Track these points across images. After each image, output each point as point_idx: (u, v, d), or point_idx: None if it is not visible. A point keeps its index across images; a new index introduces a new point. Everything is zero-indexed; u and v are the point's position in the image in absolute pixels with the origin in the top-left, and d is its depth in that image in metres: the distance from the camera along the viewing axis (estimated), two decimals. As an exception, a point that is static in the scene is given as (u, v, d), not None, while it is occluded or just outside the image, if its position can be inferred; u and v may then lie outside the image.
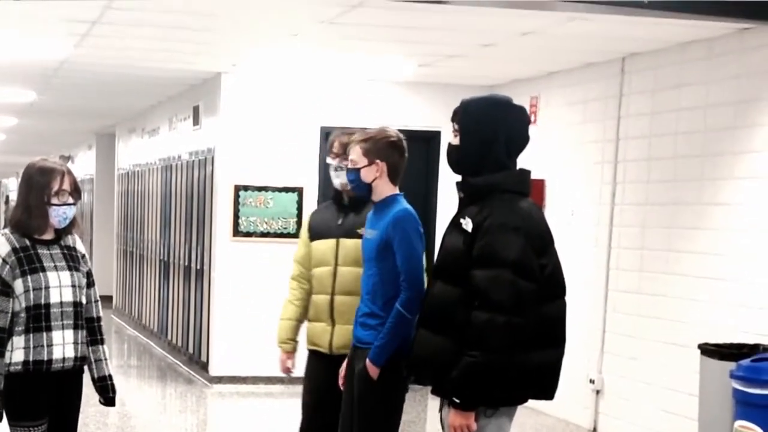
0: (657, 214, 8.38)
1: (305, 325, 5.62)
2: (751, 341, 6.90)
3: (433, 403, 4.53)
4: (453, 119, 4.29)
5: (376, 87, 11.05)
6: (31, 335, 4.69)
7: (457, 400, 4.06)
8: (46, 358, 4.71)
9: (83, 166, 21.44)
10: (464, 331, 4.03)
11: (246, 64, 10.35)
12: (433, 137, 10.92)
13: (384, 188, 5.12)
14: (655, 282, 8.35)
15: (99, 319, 4.98)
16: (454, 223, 4.23)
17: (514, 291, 3.98)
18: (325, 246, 5.46)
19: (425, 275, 4.91)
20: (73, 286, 4.79)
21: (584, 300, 9.00)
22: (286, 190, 10.98)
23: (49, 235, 4.82)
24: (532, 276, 4.03)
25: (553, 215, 9.14)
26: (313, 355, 5.51)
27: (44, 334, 4.71)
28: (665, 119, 8.31)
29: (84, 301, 4.85)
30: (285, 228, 11.00)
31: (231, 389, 10.90)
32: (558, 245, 4.23)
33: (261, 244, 10.97)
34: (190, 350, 12.11)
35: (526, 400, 4.21)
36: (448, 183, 10.08)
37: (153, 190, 14.63)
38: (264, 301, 10.97)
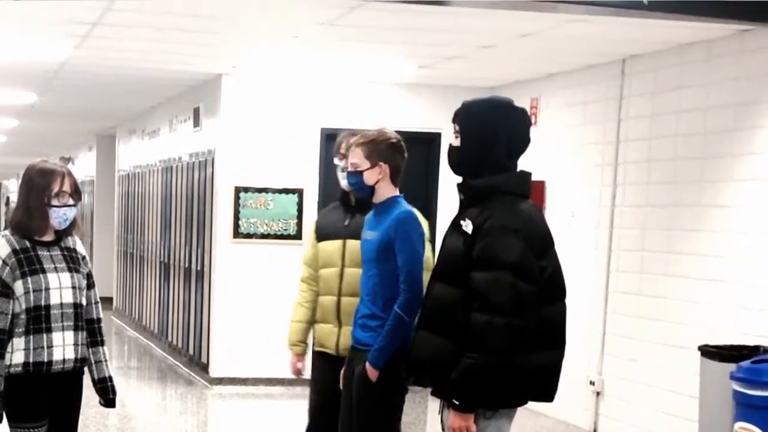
0: (657, 216, 8.38)
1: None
2: (751, 343, 6.90)
3: (433, 404, 4.53)
4: (454, 121, 4.29)
5: (377, 88, 11.05)
6: (32, 337, 4.70)
7: (457, 402, 4.06)
8: (46, 360, 4.71)
9: (84, 167, 21.44)
10: (464, 333, 4.03)
11: (246, 66, 10.36)
12: (434, 139, 10.92)
13: (386, 190, 5.13)
14: (655, 284, 8.35)
15: (99, 320, 4.98)
16: (455, 225, 4.23)
17: (514, 293, 3.98)
18: (331, 247, 5.46)
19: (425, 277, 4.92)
20: (74, 287, 4.79)
21: (584, 302, 9.00)
22: (287, 191, 10.99)
23: (49, 237, 4.82)
24: (531, 278, 4.03)
25: (553, 217, 9.14)
26: (321, 356, 5.51)
27: (44, 335, 4.71)
28: (665, 121, 8.31)
29: (84, 302, 4.86)
30: (285, 229, 11.01)
31: (231, 390, 10.90)
32: (558, 247, 4.23)
33: (261, 246, 10.98)
34: (191, 352, 12.11)
35: (525, 402, 4.20)
36: (448, 184, 10.09)
37: (153, 191, 14.63)
38: (264, 302, 10.99)
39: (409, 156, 5.24)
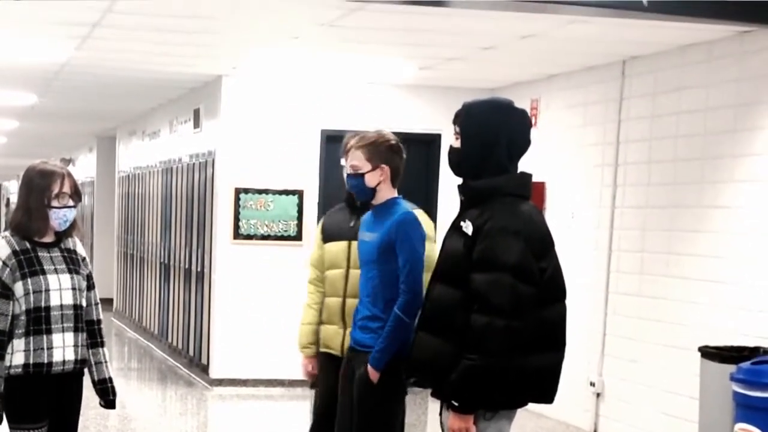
0: (657, 217, 8.38)
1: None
2: (751, 344, 6.90)
3: (434, 405, 4.53)
4: (455, 122, 4.29)
5: (377, 90, 11.06)
6: (31, 338, 4.70)
7: (456, 403, 4.06)
8: (46, 361, 4.71)
9: (84, 168, 21.45)
10: (464, 334, 4.03)
11: (246, 67, 10.36)
12: (434, 140, 10.92)
13: (386, 192, 5.14)
14: (655, 285, 8.35)
15: (99, 321, 4.98)
16: (455, 226, 4.22)
17: (514, 295, 3.98)
18: (337, 248, 5.46)
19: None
20: (74, 288, 4.79)
21: (584, 303, 9.00)
22: (287, 192, 10.99)
23: (49, 238, 4.82)
24: (531, 280, 4.03)
25: (554, 218, 9.14)
26: (326, 358, 5.51)
27: (44, 337, 4.71)
28: (665, 122, 8.31)
29: (84, 303, 4.85)
30: (285, 231, 11.01)
31: (231, 392, 10.90)
32: (558, 248, 4.23)
33: (261, 247, 10.98)
34: (191, 353, 12.11)
35: (525, 404, 4.20)
36: (448, 186, 10.09)
37: (153, 192, 14.63)
38: (264, 303, 11.00)
39: (409, 157, 5.24)
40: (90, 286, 4.93)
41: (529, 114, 4.43)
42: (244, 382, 11.03)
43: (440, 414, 4.25)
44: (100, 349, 4.97)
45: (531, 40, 8.12)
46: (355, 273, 5.33)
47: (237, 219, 10.93)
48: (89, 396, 5.01)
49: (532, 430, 9.26)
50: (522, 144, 4.27)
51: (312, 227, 10.83)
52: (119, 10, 7.52)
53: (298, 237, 10.98)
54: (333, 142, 10.51)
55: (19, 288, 4.69)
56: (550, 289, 4.13)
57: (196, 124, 12.05)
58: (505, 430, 4.19)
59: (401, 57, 9.43)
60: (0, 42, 9.05)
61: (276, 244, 10.98)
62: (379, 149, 5.11)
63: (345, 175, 5.51)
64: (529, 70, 9.90)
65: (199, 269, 11.82)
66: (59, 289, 4.74)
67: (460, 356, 4.01)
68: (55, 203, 4.77)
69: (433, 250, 5.10)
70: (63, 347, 4.75)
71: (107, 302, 14.64)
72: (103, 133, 18.69)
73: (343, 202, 5.63)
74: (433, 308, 4.21)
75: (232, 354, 11.06)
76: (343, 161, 5.56)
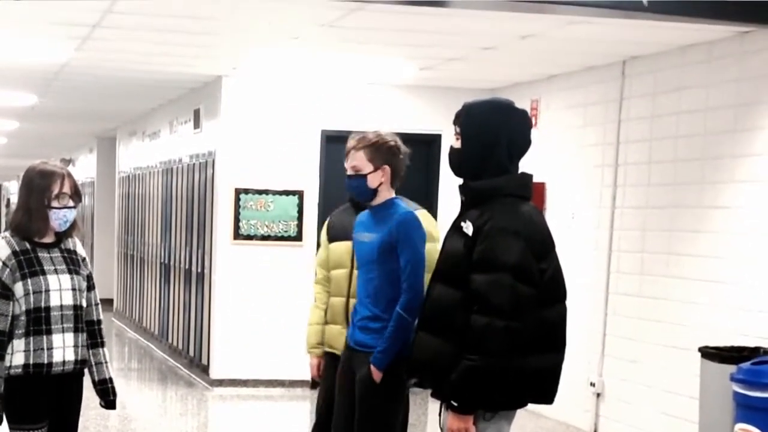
0: (657, 217, 8.38)
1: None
2: (751, 344, 6.90)
3: (434, 406, 4.53)
4: (455, 122, 4.29)
5: (377, 90, 11.06)
6: (32, 338, 4.70)
7: (456, 404, 4.06)
8: (46, 361, 4.71)
9: (84, 169, 21.45)
10: (464, 335, 4.03)
11: (246, 67, 10.36)
12: (434, 140, 10.92)
13: (385, 193, 5.15)
14: (655, 285, 8.35)
15: (99, 322, 4.99)
16: (455, 227, 4.23)
17: (514, 295, 3.98)
18: (341, 248, 5.46)
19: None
20: (74, 289, 4.79)
21: (584, 303, 9.00)
22: (287, 193, 10.99)
23: (49, 239, 4.82)
24: (531, 280, 4.03)
25: (554, 218, 9.14)
26: (329, 357, 5.51)
27: (44, 337, 4.71)
28: (665, 122, 8.31)
29: (84, 304, 4.86)
30: (285, 231, 11.01)
31: (232, 392, 10.90)
32: (558, 248, 4.23)
33: (261, 248, 10.98)
34: (191, 353, 12.11)
35: (525, 404, 4.20)
36: (448, 186, 10.10)
37: (154, 193, 14.63)
38: (265, 304, 11.00)
39: (409, 157, 5.24)
40: (90, 287, 4.93)
41: (529, 114, 4.43)
42: (244, 383, 11.04)
43: (440, 414, 4.25)
44: (101, 350, 4.97)
45: (531, 40, 8.12)
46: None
47: (237, 219, 10.93)
48: (89, 396, 5.01)
49: (532, 430, 9.26)
50: (522, 144, 4.27)
51: (312, 228, 10.85)
52: (119, 11, 7.52)
53: (298, 237, 10.98)
54: (333, 143, 10.52)
55: (19, 288, 4.69)
56: (551, 289, 4.13)
57: (196, 125, 12.05)
58: (505, 430, 4.19)
59: (401, 57, 9.43)
60: (0, 42, 9.05)
61: (276, 244, 10.98)
62: (381, 150, 5.11)
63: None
64: (529, 71, 9.90)
65: (199, 270, 11.82)
66: (59, 289, 4.74)
67: (460, 356, 4.01)
68: (55, 204, 4.77)
69: (436, 250, 5.11)
70: (63, 348, 4.75)
71: (107, 303, 14.65)
72: (104, 133, 18.69)
73: (348, 202, 5.64)
74: (433, 308, 4.21)
75: (232, 354, 11.06)
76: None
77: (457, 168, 4.31)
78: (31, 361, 4.69)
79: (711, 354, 6.83)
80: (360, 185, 5.14)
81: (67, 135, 19.48)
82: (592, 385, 9.11)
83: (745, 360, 6.51)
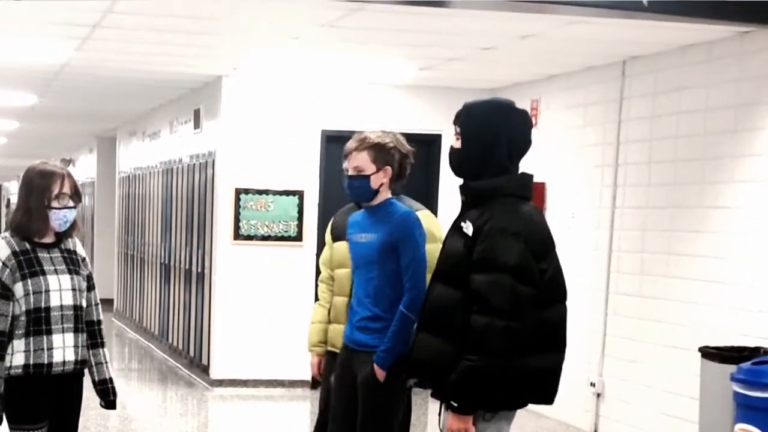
0: (657, 217, 8.38)
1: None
2: (751, 344, 6.90)
3: (434, 406, 4.53)
4: (455, 122, 4.29)
5: (377, 90, 11.06)
6: (32, 338, 4.70)
7: (455, 404, 4.06)
8: (46, 362, 4.71)
9: (84, 169, 21.45)
10: (464, 335, 4.03)
11: (247, 67, 10.36)
12: (434, 140, 10.92)
13: (384, 193, 5.15)
14: (655, 285, 8.35)
15: (99, 322, 4.98)
16: (456, 227, 4.23)
17: (514, 296, 3.98)
18: (344, 248, 5.46)
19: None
20: (74, 289, 4.79)
21: (585, 303, 9.00)
22: (287, 193, 10.99)
23: (49, 239, 4.82)
24: (531, 281, 4.03)
25: (554, 218, 9.14)
26: (331, 356, 5.51)
27: (44, 337, 4.71)
28: (665, 122, 8.31)
29: (84, 304, 4.85)
30: (286, 231, 11.01)
31: (232, 392, 10.90)
32: (558, 248, 4.23)
33: (262, 248, 10.98)
34: (191, 353, 12.11)
35: (525, 405, 4.20)
36: (448, 186, 10.09)
37: (154, 193, 14.63)
38: (265, 304, 11.00)
39: (414, 156, 5.24)
40: (90, 287, 4.93)
41: (529, 114, 4.43)
42: (244, 383, 11.04)
43: (440, 414, 4.25)
44: (101, 350, 4.97)
45: (531, 40, 8.12)
46: None
47: (237, 220, 10.93)
48: (89, 396, 5.01)
49: (532, 430, 9.26)
50: (523, 144, 4.27)
51: (312, 228, 10.86)
52: (119, 11, 7.52)
53: (298, 238, 10.98)
54: (333, 143, 10.52)
55: (19, 289, 4.69)
56: (551, 290, 4.13)
57: (197, 125, 12.05)
58: (505, 430, 4.19)
59: (401, 57, 9.43)
60: (0, 42, 9.05)
61: (276, 244, 10.98)
62: (383, 151, 5.11)
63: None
64: (529, 71, 9.90)
65: (199, 270, 11.82)
66: (59, 289, 4.74)
67: (460, 357, 4.01)
68: (55, 204, 4.77)
69: (437, 250, 5.10)
70: (63, 348, 4.75)
71: (108, 303, 14.64)
72: (104, 133, 18.69)
73: (352, 202, 5.64)
74: (433, 308, 4.21)
75: (232, 355, 11.06)
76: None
77: (457, 168, 4.31)
78: (31, 362, 4.69)
79: (711, 354, 6.83)
80: (362, 186, 5.13)
81: (67, 135, 19.48)
82: (592, 385, 9.11)
83: (745, 360, 6.51)
